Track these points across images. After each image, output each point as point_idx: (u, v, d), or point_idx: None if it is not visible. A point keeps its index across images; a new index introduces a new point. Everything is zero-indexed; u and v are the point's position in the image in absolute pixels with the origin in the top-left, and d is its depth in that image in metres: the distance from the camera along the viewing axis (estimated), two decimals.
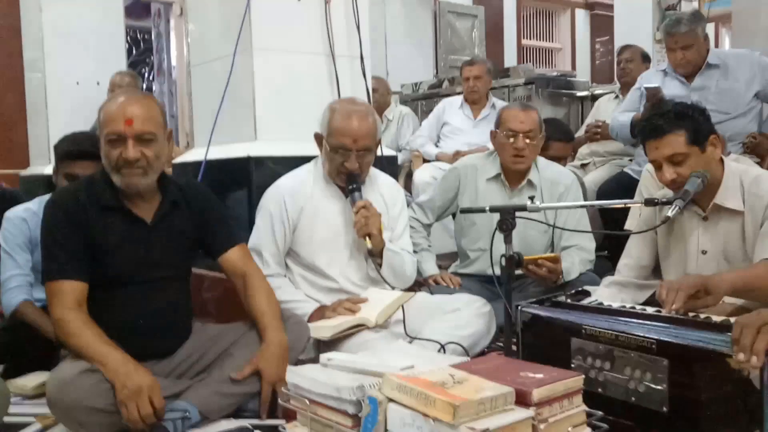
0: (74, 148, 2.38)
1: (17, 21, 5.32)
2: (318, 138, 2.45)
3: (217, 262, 2.10)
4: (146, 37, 8.27)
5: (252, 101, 2.82)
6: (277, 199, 2.44)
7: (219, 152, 2.92)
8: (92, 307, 1.85)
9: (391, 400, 1.29)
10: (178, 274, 2.02)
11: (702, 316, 1.50)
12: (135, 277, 1.91)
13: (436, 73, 7.12)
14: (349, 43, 2.99)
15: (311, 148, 2.51)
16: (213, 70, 3.01)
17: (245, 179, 2.79)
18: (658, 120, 2.11)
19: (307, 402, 1.44)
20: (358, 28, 2.99)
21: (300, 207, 2.43)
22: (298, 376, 1.49)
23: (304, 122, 2.55)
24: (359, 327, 2.24)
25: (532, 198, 2.03)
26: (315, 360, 1.84)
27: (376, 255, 2.41)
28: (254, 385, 1.88)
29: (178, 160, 3.26)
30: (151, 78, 8.09)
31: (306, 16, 2.91)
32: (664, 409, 1.33)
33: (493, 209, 1.99)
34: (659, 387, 1.33)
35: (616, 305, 1.66)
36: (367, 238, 2.34)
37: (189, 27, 3.39)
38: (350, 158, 2.36)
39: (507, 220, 1.90)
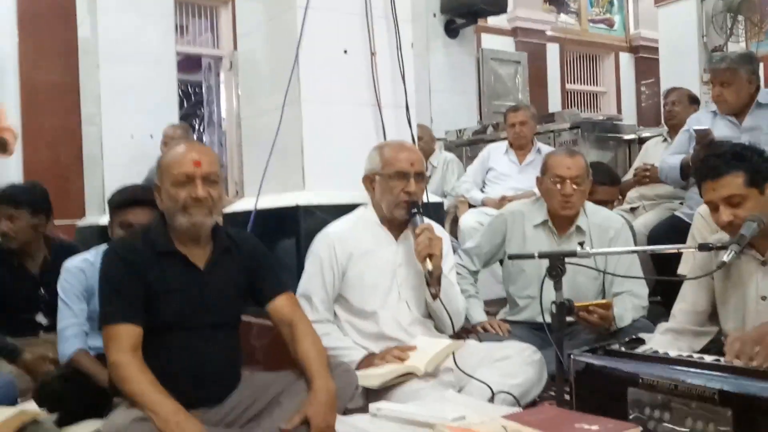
0: (127, 197, 2.47)
1: (75, 78, 5.57)
2: (368, 179, 2.49)
3: (264, 310, 2.11)
4: (197, 90, 8.54)
5: (300, 151, 2.87)
6: (328, 244, 2.46)
7: (268, 202, 2.97)
8: (145, 353, 1.87)
9: None
10: (229, 321, 2.05)
11: (765, 365, 1.45)
12: (187, 323, 1.94)
13: (480, 119, 7.15)
14: (395, 93, 3.04)
15: (359, 197, 2.54)
16: (262, 121, 3.08)
17: (294, 228, 2.82)
18: (716, 161, 2.07)
19: None
20: (403, 78, 3.04)
21: (349, 252, 2.45)
22: (348, 426, 1.48)
23: (351, 171, 2.58)
24: (408, 375, 2.22)
25: (581, 243, 2.01)
26: (364, 409, 1.83)
27: (433, 283, 2.39)
28: None
29: (228, 210, 3.32)
30: (201, 129, 8.33)
31: (352, 67, 2.97)
32: None
33: (542, 255, 1.97)
34: None
35: (673, 353, 1.61)
36: (428, 260, 2.33)
37: (239, 80, 3.50)
38: (410, 182, 2.40)
39: (556, 266, 1.88)
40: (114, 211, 2.49)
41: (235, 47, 4.92)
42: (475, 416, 1.38)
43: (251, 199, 3.06)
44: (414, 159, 2.44)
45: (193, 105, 8.87)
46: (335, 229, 2.52)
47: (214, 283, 1.99)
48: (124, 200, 2.46)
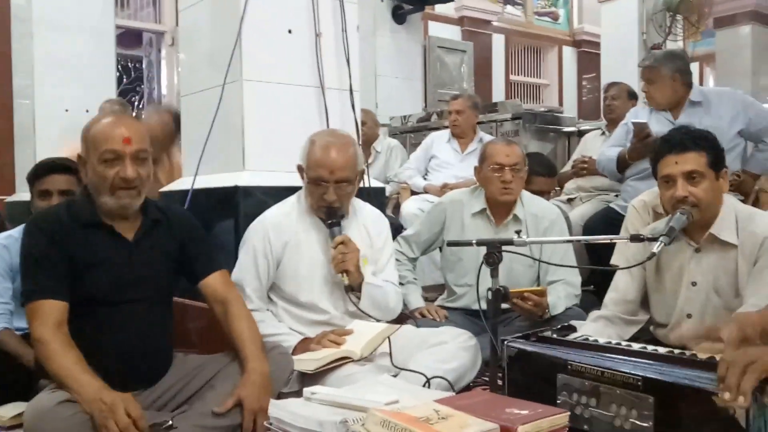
0: (43, 164, 2.42)
1: (7, 47, 5.34)
2: (300, 170, 2.46)
3: (197, 288, 2.07)
4: (137, 65, 8.32)
5: (241, 131, 2.82)
6: (262, 233, 2.43)
7: (206, 181, 2.91)
8: (72, 331, 1.81)
9: None
10: (159, 296, 1.99)
11: (688, 353, 1.50)
12: (116, 298, 1.88)
13: (425, 106, 7.18)
14: (339, 76, 3.01)
15: (299, 179, 2.51)
16: (203, 100, 3.02)
17: (232, 209, 2.77)
18: (684, 136, 2.13)
19: None
20: (348, 61, 3.01)
21: (284, 241, 2.42)
22: (281, 410, 1.47)
23: (292, 153, 2.55)
24: (344, 360, 2.22)
25: (518, 232, 2.03)
26: (299, 394, 1.82)
27: (355, 289, 2.40)
28: (236, 418, 1.84)
29: (165, 188, 3.25)
30: (140, 107, 8.11)
31: (297, 48, 2.93)
32: None
33: (480, 243, 1.99)
34: (645, 424, 1.32)
35: (602, 341, 1.66)
36: (344, 275, 2.33)
37: (180, 56, 3.41)
38: (328, 191, 2.35)
39: (493, 253, 1.90)
40: (32, 183, 2.42)
41: (177, 22, 4.79)
42: (409, 400, 1.38)
43: (189, 178, 2.99)
44: (337, 166, 2.33)
45: (133, 81, 8.63)
46: (270, 216, 2.48)
47: (143, 256, 1.94)
48: (39, 168, 2.40)
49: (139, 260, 1.93)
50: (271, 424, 1.49)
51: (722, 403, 1.17)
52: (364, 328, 2.35)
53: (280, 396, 1.99)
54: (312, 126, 2.77)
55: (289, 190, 2.59)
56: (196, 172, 2.94)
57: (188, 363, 2.03)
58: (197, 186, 2.91)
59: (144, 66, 7.84)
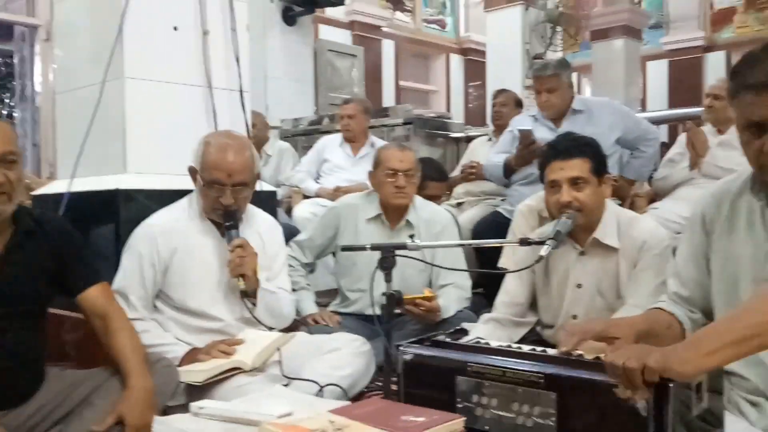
0: None
1: None
2: (192, 172, 2.35)
3: (75, 302, 1.94)
4: (8, 61, 7.78)
5: (122, 132, 2.67)
6: (149, 238, 2.31)
7: (84, 184, 2.74)
8: None
9: None
10: (31, 310, 1.84)
11: (575, 354, 1.54)
12: None
13: (316, 109, 7.14)
14: (228, 76, 2.92)
15: (186, 182, 2.40)
16: (80, 98, 2.84)
17: (113, 214, 2.62)
18: (569, 143, 2.22)
19: None
20: (237, 60, 2.92)
21: (173, 247, 2.31)
22: (166, 426, 1.39)
23: (179, 155, 2.44)
24: (234, 371, 2.14)
25: (412, 236, 2.04)
26: (186, 408, 1.73)
27: (250, 295, 2.32)
28: None
29: (39, 191, 3.03)
30: (12, 104, 7.59)
31: (183, 46, 2.81)
32: None
33: (374, 247, 1.97)
34: (548, 421, 1.34)
35: (494, 344, 1.67)
36: (240, 279, 2.25)
37: (55, 52, 3.20)
38: (225, 194, 2.27)
39: (388, 258, 1.89)
40: None
41: (53, 16, 4.51)
42: (302, 411, 1.34)
43: (64, 181, 2.81)
44: (235, 169, 2.27)
45: (4, 78, 8.07)
46: (158, 221, 2.36)
47: (14, 268, 1.78)
48: None
49: (9, 273, 1.77)
50: None
51: (623, 395, 1.21)
52: (255, 337, 2.28)
53: (165, 411, 1.90)
54: (199, 127, 2.67)
55: (175, 194, 2.47)
56: (72, 175, 2.75)
57: (64, 379, 1.89)
58: (74, 189, 2.73)
59: (16, 61, 7.33)
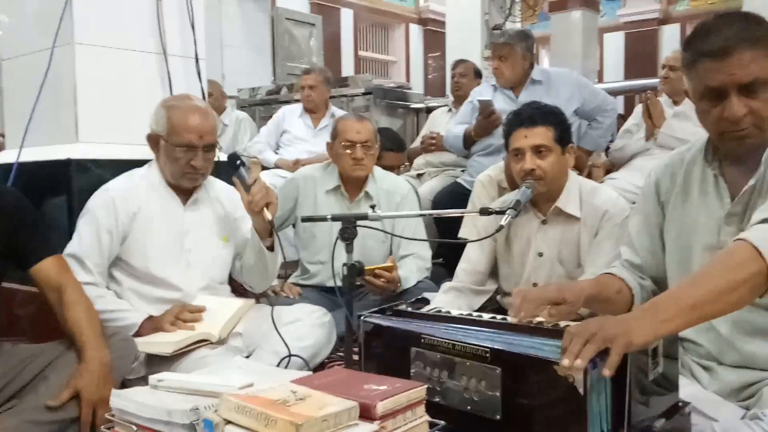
0: None
1: None
2: (152, 139, 2.29)
3: (28, 274, 1.88)
4: None
5: (73, 99, 2.59)
6: (107, 203, 2.23)
7: (34, 154, 2.65)
8: None
9: (228, 422, 1.21)
10: None
11: (535, 321, 1.56)
12: None
13: (274, 79, 7.03)
14: (183, 43, 2.84)
15: (142, 152, 2.34)
16: (28, 65, 2.74)
17: (65, 184, 2.55)
18: (533, 111, 2.22)
19: (134, 428, 1.32)
20: (192, 27, 2.85)
21: (133, 213, 2.25)
22: (124, 400, 1.36)
23: (133, 124, 2.38)
24: (201, 342, 2.11)
25: (373, 207, 2.02)
26: (145, 380, 1.71)
27: (264, 236, 2.26)
28: (73, 410, 1.69)
29: None
30: None
31: (136, 11, 2.72)
32: (498, 416, 1.35)
33: (335, 218, 1.96)
34: (493, 395, 1.36)
35: (454, 312, 1.68)
36: (266, 209, 2.17)
37: (0, 17, 3.07)
38: (197, 156, 2.23)
39: (348, 228, 1.88)
40: None
41: None
42: (263, 382, 1.33)
43: (13, 151, 2.72)
44: (205, 130, 2.23)
45: None
46: (117, 186, 2.29)
47: None
48: None
49: None
50: (113, 415, 1.38)
51: (562, 372, 1.23)
52: (216, 305, 2.24)
53: (124, 384, 1.87)
54: (154, 95, 2.60)
55: (130, 164, 2.41)
56: (21, 144, 2.66)
57: (17, 353, 1.84)
58: (23, 159, 2.65)
59: None
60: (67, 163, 2.53)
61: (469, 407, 1.40)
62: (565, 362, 1.21)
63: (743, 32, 1.43)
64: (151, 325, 2.18)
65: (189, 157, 2.23)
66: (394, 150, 3.86)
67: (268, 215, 2.18)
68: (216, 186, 2.46)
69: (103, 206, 2.24)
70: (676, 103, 3.76)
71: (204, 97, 2.89)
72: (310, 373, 1.81)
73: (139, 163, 2.39)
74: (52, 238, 1.97)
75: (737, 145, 1.52)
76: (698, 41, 1.49)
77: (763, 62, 1.43)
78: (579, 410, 1.23)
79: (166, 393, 1.36)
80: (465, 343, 1.42)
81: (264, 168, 4.41)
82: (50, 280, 1.87)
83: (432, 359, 1.46)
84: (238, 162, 2.21)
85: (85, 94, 2.61)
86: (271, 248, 2.29)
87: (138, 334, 2.14)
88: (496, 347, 1.37)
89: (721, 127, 1.50)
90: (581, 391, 1.22)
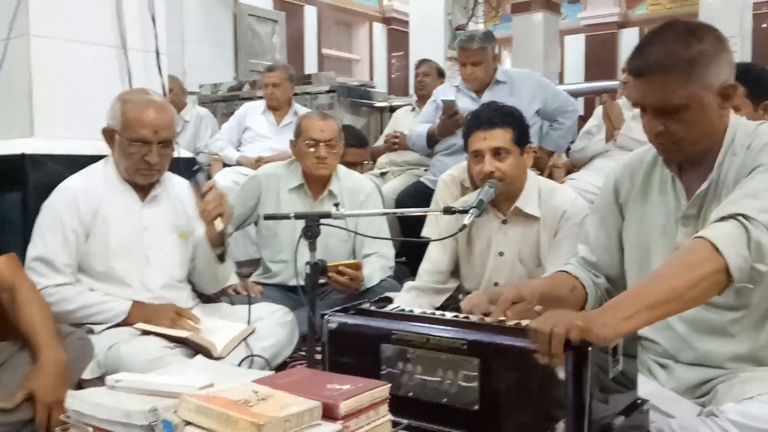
0: None
1: None
2: (108, 133, 2.23)
3: None
4: None
5: (28, 93, 2.52)
6: (69, 203, 2.17)
7: None
8: None
9: (188, 423, 1.19)
10: None
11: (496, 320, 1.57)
12: None
13: (236, 75, 6.96)
14: (144, 36, 2.78)
15: (99, 147, 2.29)
16: None
17: (19, 180, 2.47)
18: (492, 113, 2.23)
19: (91, 430, 1.29)
20: (153, 20, 2.79)
21: (94, 210, 2.19)
22: (80, 401, 1.32)
23: (91, 118, 2.32)
24: (203, 348, 2.08)
25: (336, 205, 2.01)
26: (102, 381, 1.67)
27: (216, 244, 2.24)
28: (27, 412, 1.65)
29: None
30: None
31: (95, 3, 2.66)
32: (476, 407, 1.36)
33: (298, 216, 1.94)
34: (471, 385, 1.37)
35: (417, 311, 1.69)
36: (219, 219, 2.15)
37: None
38: (152, 151, 2.17)
39: (312, 226, 1.87)
40: None
41: None
42: (224, 382, 1.31)
43: None
44: (160, 125, 2.18)
45: None
46: (76, 183, 2.23)
47: None
48: None
49: None
50: (68, 417, 1.34)
51: (543, 360, 1.24)
52: (218, 324, 2.23)
53: (80, 385, 1.83)
54: (113, 89, 2.53)
55: (87, 159, 2.36)
56: None
57: None
58: None
59: None
60: (22, 157, 2.46)
61: (445, 399, 1.40)
62: (545, 359, 1.23)
63: (664, 56, 1.46)
64: (141, 313, 2.15)
65: (143, 152, 2.18)
66: (355, 146, 3.84)
67: (219, 225, 2.17)
68: (175, 182, 2.42)
69: (65, 206, 2.18)
70: (635, 105, 3.81)
71: (165, 92, 2.84)
72: (272, 372, 1.79)
73: (97, 159, 2.34)
74: (3, 237, 1.92)
75: (664, 155, 1.58)
76: (631, 56, 1.56)
77: (678, 88, 1.46)
78: (558, 393, 1.25)
79: (123, 394, 1.33)
80: (441, 336, 1.43)
81: (225, 165, 4.36)
82: (2, 280, 1.82)
83: (405, 354, 1.47)
84: (195, 167, 2.19)
85: (40, 88, 2.54)
86: (222, 257, 2.28)
87: (126, 322, 2.12)
88: (473, 338, 1.39)
89: (650, 137, 1.55)
90: (561, 376, 1.24)
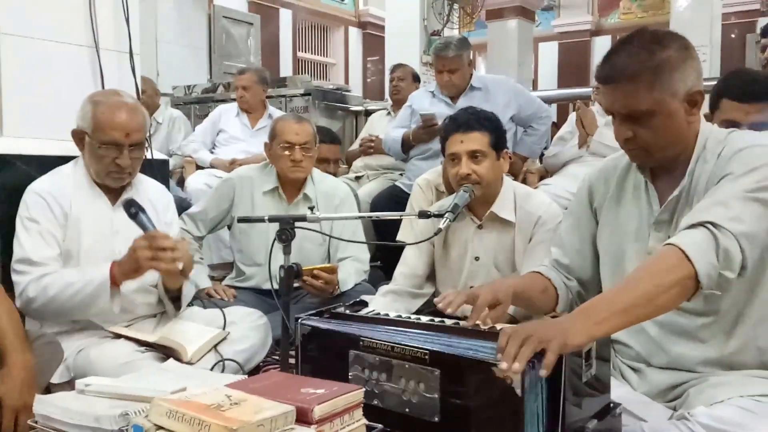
0: None
1: None
2: (78, 135, 2.19)
3: None
4: None
5: None
6: (42, 207, 2.12)
7: None
8: None
9: (160, 427, 1.17)
10: None
11: (471, 324, 1.57)
12: None
13: (210, 77, 6.91)
14: (117, 37, 2.75)
15: (70, 148, 2.25)
16: None
17: None
18: (469, 117, 2.24)
19: None
20: (127, 20, 2.75)
21: (65, 212, 2.15)
22: (49, 405, 1.30)
23: (62, 119, 2.28)
24: (172, 350, 2.04)
25: (312, 208, 2.00)
26: (71, 385, 1.65)
27: (171, 286, 2.19)
28: None
29: None
30: None
31: (67, 2, 2.62)
32: (436, 419, 1.36)
33: (272, 219, 1.93)
34: (432, 396, 1.36)
35: (393, 315, 1.68)
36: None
37: None
38: (123, 154, 2.13)
39: (286, 230, 1.85)
40: None
41: None
42: (197, 386, 1.29)
43: None
44: (132, 127, 2.13)
45: None
46: (44, 186, 2.17)
47: None
48: None
49: None
50: (36, 422, 1.32)
51: (500, 373, 1.24)
52: (190, 328, 2.19)
53: (49, 389, 1.79)
54: (85, 89, 2.49)
55: (58, 160, 2.31)
56: None
57: None
58: None
59: None
60: None
61: (407, 409, 1.40)
62: (503, 365, 1.22)
63: (630, 64, 1.49)
64: (123, 270, 2.03)
65: (114, 155, 2.14)
66: (327, 142, 3.80)
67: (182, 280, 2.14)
68: (147, 185, 2.38)
69: (40, 211, 2.12)
70: (608, 112, 3.85)
71: (138, 93, 2.81)
72: (245, 377, 1.77)
73: (68, 159, 2.30)
74: None
75: (635, 161, 1.61)
76: (600, 64, 1.59)
77: (644, 95, 1.49)
78: (516, 411, 1.25)
79: (93, 398, 1.31)
80: (404, 345, 1.42)
81: (199, 167, 4.32)
82: None
83: (371, 362, 1.46)
84: (133, 210, 2.04)
85: (10, 87, 2.49)
86: (177, 299, 2.24)
87: (113, 284, 2.03)
88: (434, 349, 1.38)
89: (620, 143, 1.58)
90: (519, 392, 1.24)
